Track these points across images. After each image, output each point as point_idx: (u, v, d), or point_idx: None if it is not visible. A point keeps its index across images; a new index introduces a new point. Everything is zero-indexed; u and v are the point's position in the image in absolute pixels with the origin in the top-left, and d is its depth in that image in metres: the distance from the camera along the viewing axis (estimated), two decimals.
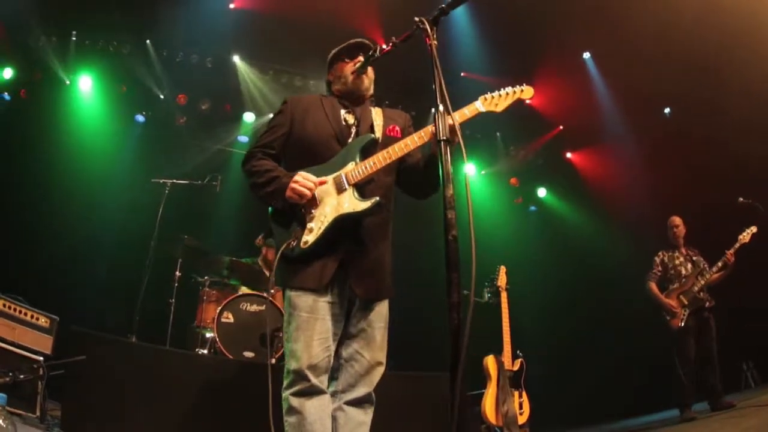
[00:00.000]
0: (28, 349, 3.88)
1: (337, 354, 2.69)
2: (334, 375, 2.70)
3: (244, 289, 5.74)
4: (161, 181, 6.09)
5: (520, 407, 4.83)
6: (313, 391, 2.51)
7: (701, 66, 6.61)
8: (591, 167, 8.78)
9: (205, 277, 5.85)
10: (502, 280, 5.32)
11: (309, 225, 2.62)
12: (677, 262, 5.84)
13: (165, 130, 7.82)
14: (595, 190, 8.38)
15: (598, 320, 7.72)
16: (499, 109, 2.56)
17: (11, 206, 6.31)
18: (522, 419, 4.75)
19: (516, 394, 4.84)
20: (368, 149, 2.69)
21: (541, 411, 5.84)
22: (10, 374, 3.49)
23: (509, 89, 2.58)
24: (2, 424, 2.01)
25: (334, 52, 2.98)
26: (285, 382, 2.56)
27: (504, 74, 7.09)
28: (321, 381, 2.55)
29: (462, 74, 8.17)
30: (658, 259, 5.93)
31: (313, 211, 2.63)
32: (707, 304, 5.58)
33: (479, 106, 2.57)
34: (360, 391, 2.65)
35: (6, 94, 6.95)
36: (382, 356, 2.76)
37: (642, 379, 7.04)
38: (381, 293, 2.74)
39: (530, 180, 9.63)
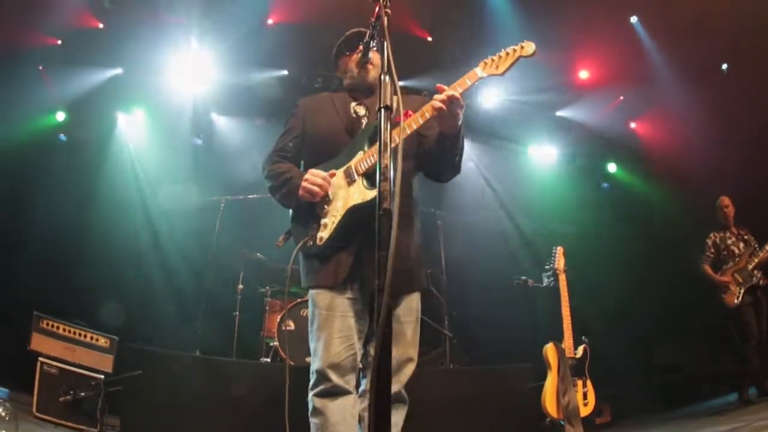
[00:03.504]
0: (89, 369, 4.14)
1: (366, 352, 2.62)
2: (365, 374, 2.65)
3: None
4: (215, 199, 6.26)
5: (585, 398, 4.41)
6: (336, 392, 2.47)
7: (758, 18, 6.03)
8: (657, 135, 8.26)
9: (266, 288, 5.92)
10: (560, 262, 4.99)
11: (323, 221, 2.59)
12: (729, 242, 5.78)
13: (222, 150, 8.07)
14: (665, 159, 7.84)
15: (680, 299, 7.21)
16: (500, 71, 2.40)
17: (74, 238, 6.63)
18: (586, 411, 4.34)
19: (579, 383, 4.45)
20: (377, 138, 2.62)
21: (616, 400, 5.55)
22: (71, 392, 3.74)
23: (509, 49, 2.41)
24: (2, 413, 2.16)
25: (335, 47, 2.95)
26: (310, 383, 2.54)
27: (551, 50, 6.77)
28: (346, 381, 2.49)
29: None
30: (710, 241, 5.86)
31: (326, 206, 2.61)
32: (761, 282, 5.52)
33: (479, 71, 2.43)
34: None
35: (62, 135, 7.32)
36: (413, 352, 2.65)
37: (720, 363, 6.61)
38: (404, 286, 2.64)
39: (598, 156, 9.13)
